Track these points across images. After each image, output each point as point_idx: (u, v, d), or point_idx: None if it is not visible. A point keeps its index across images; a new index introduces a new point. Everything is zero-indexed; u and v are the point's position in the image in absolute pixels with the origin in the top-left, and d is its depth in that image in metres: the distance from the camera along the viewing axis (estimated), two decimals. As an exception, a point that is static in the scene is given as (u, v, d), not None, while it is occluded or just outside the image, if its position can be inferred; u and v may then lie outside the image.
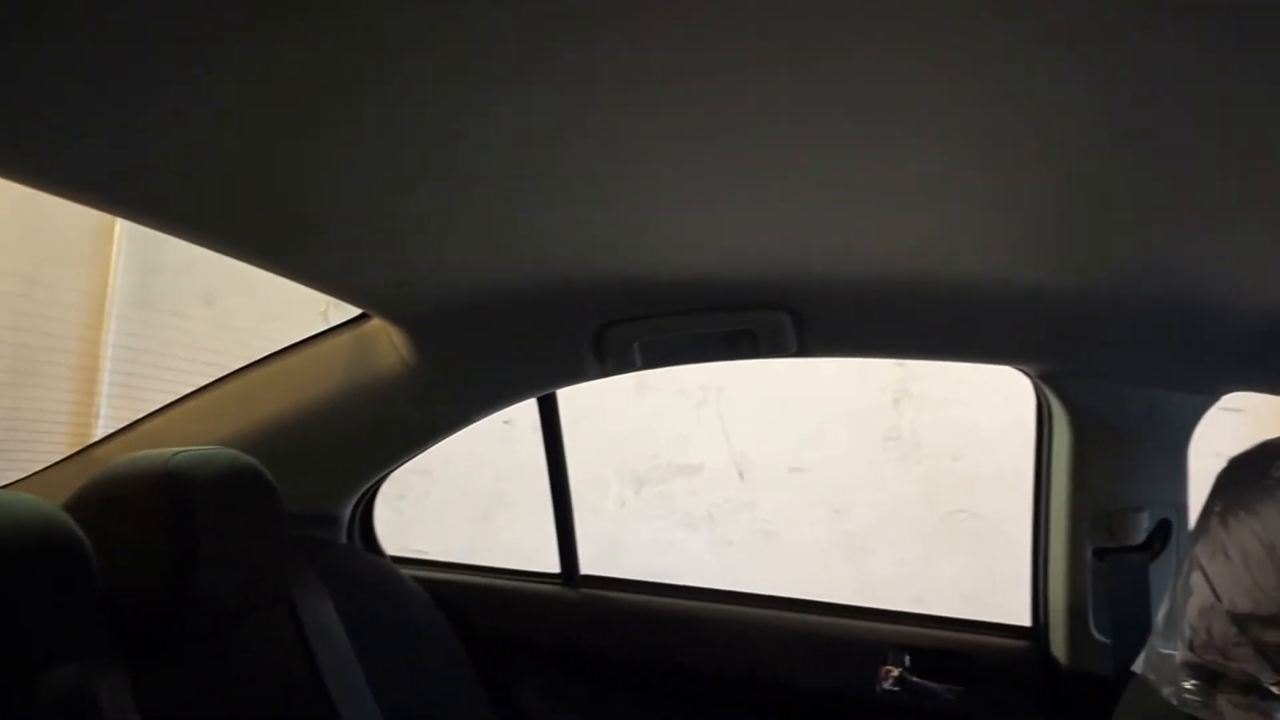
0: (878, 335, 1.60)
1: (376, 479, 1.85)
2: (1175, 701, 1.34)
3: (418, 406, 1.70)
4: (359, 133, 0.89)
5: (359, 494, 1.84)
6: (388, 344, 1.65)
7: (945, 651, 1.83)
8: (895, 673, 1.83)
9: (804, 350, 1.58)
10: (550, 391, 1.84)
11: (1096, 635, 1.72)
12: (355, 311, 1.67)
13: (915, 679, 1.81)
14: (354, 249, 1.26)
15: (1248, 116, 0.78)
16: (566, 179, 1.02)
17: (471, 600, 1.96)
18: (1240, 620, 1.29)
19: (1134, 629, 1.56)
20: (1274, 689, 1.18)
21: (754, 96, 0.81)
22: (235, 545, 1.26)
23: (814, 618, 1.91)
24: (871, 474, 3.52)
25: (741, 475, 3.51)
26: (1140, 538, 1.68)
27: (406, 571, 1.91)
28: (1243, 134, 0.82)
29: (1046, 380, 1.67)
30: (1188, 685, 1.33)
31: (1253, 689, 1.21)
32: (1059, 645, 1.77)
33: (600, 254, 1.35)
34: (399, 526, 3.20)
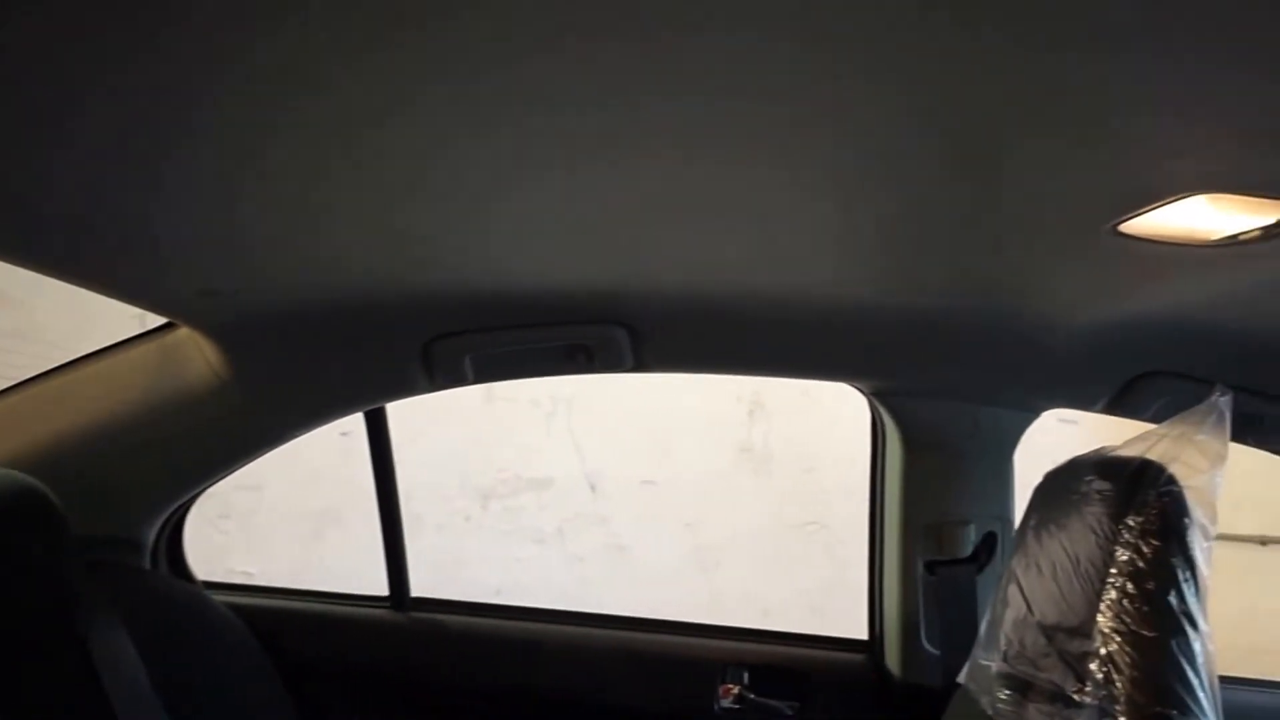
0: (715, 351, 1.63)
1: (184, 499, 1.77)
2: (990, 711, 1.41)
3: (230, 421, 1.64)
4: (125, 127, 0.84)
5: (165, 515, 1.76)
6: (197, 355, 1.59)
7: (783, 668, 1.88)
8: (734, 691, 1.86)
9: (640, 366, 1.60)
10: (377, 406, 1.80)
11: (927, 647, 1.80)
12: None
13: (753, 696, 1.85)
14: (147, 254, 1.20)
15: (1054, 156, 0.84)
16: (385, 187, 1.00)
17: (292, 627, 1.90)
18: (1049, 631, 1.37)
19: (961, 640, 1.64)
20: (1076, 697, 1.26)
21: (584, 119, 0.82)
22: (11, 577, 1.19)
23: (652, 636, 1.92)
24: (724, 487, 3.58)
25: (593, 488, 3.52)
26: (968, 550, 1.77)
27: (220, 598, 1.84)
28: (1053, 170, 0.87)
29: (878, 397, 1.74)
30: (1002, 695, 1.41)
31: (1059, 698, 1.29)
32: (892, 658, 1.84)
33: (428, 266, 1.34)
34: (222, 548, 3.08)
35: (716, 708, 1.83)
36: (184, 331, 1.59)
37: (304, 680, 1.85)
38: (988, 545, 1.77)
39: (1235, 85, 0.69)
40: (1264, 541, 3.71)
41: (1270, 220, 0.89)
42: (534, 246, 1.25)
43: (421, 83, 0.76)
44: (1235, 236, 0.95)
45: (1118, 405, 1.66)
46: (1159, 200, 0.87)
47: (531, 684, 1.87)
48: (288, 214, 1.10)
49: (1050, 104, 0.74)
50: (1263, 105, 0.71)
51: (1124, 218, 0.93)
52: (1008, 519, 1.78)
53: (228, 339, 1.54)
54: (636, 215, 1.10)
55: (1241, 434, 1.75)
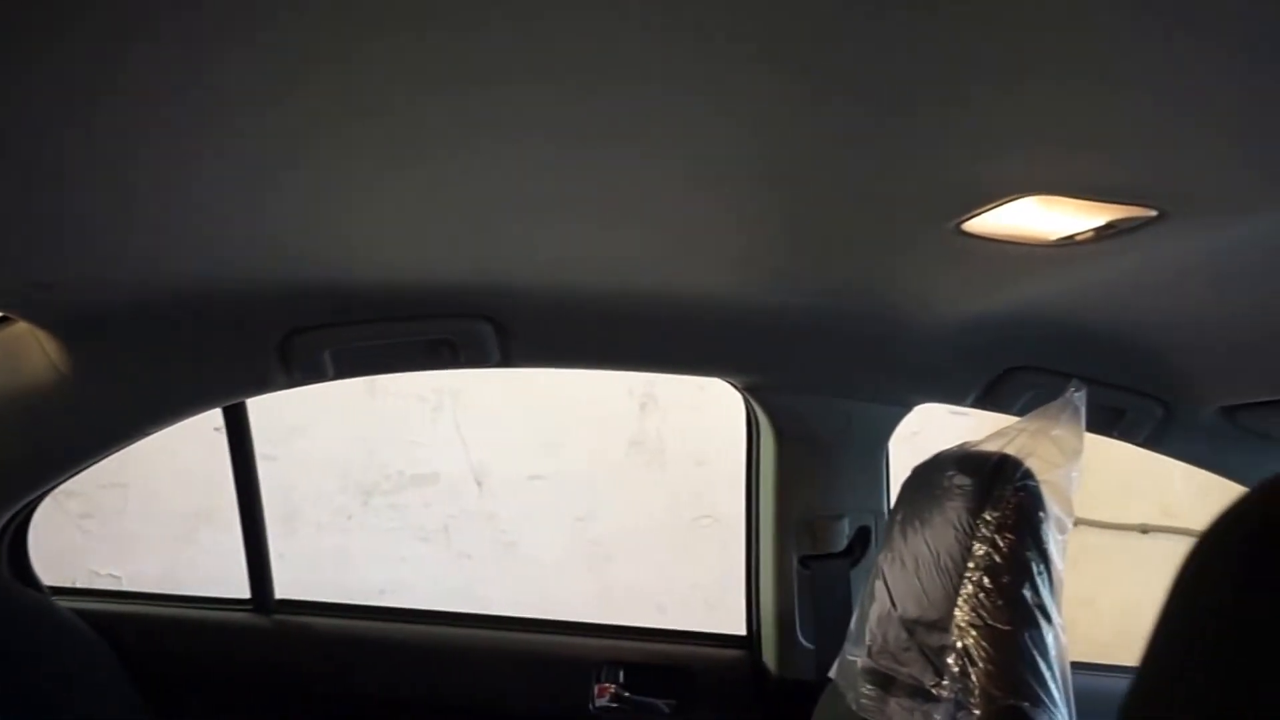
0: (585, 346, 1.63)
1: (26, 501, 1.69)
2: (855, 706, 1.45)
3: (75, 419, 1.57)
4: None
5: (5, 518, 1.68)
6: (37, 349, 1.52)
7: (660, 665, 1.89)
8: (610, 690, 1.87)
9: (507, 361, 1.59)
10: (234, 402, 1.75)
11: (802, 642, 1.83)
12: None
13: (629, 695, 1.86)
14: None
15: (896, 157, 0.86)
16: (237, 178, 0.98)
17: (148, 633, 1.84)
18: (910, 626, 1.40)
19: (835, 635, 1.67)
20: (934, 691, 1.29)
21: (445, 110, 0.80)
22: None
23: (527, 636, 1.92)
24: (615, 481, 3.59)
25: (480, 484, 3.49)
26: (842, 544, 1.80)
27: (68, 604, 1.77)
28: (897, 171, 0.89)
29: (752, 392, 1.76)
30: (866, 690, 1.44)
31: (918, 692, 1.32)
32: (769, 653, 1.87)
33: (284, 258, 1.30)
34: (84, 550, 2.96)
35: (592, 707, 1.83)
36: (22, 325, 1.52)
37: (162, 689, 1.79)
38: (861, 539, 1.81)
39: (1057, 93, 0.71)
40: (1144, 530, 3.88)
41: (1101, 222, 0.92)
42: (394, 239, 1.23)
43: (276, 74, 0.74)
44: (1071, 237, 0.98)
45: (986, 400, 1.71)
46: (994, 201, 0.90)
47: (402, 687, 1.85)
48: (130, 205, 1.06)
49: (890, 105, 0.75)
50: (1084, 113, 0.74)
51: (965, 217, 0.95)
52: (881, 513, 1.82)
53: (69, 333, 1.48)
54: (500, 209, 1.09)
55: (1105, 427, 1.82)
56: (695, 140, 0.87)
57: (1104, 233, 0.95)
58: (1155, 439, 1.79)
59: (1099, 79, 0.69)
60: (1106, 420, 1.77)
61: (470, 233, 1.20)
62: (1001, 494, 1.30)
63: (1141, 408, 1.71)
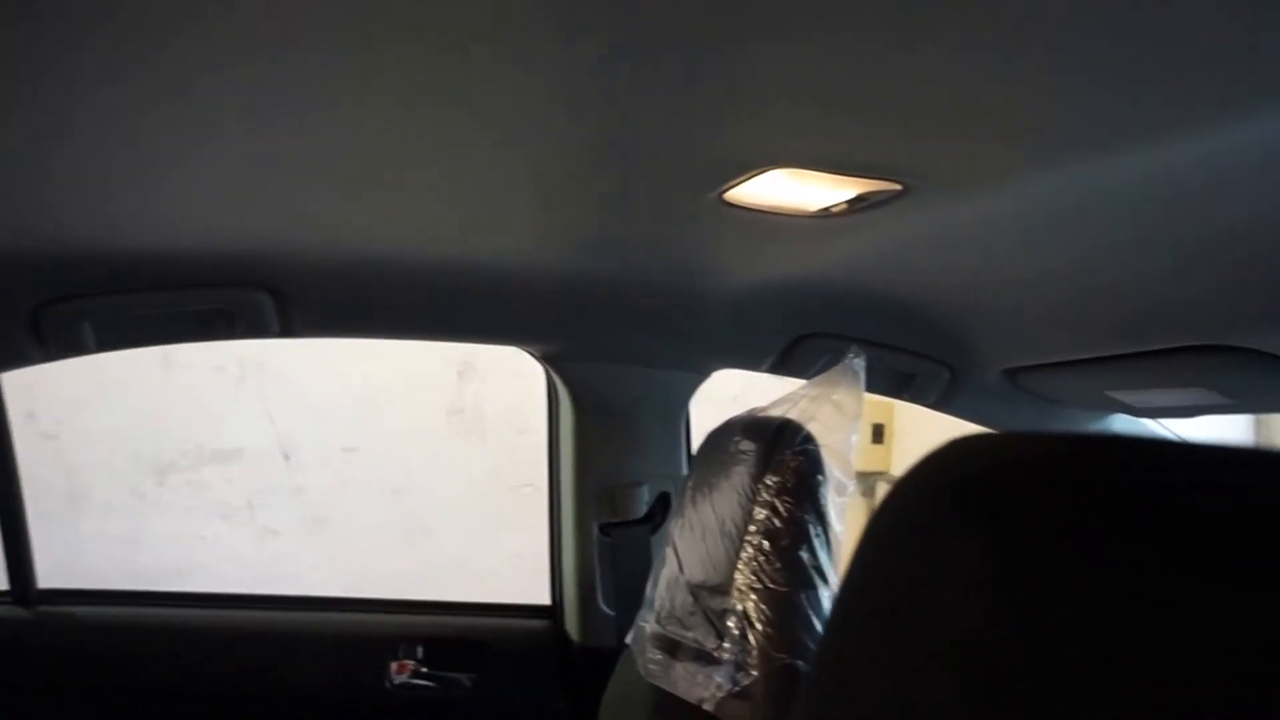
0: (373, 316, 1.60)
1: None
2: (644, 672, 1.49)
3: None
4: None
5: None
6: None
7: (461, 639, 1.90)
8: (409, 666, 1.87)
9: (288, 331, 1.55)
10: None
11: (604, 609, 1.87)
12: None
13: (428, 671, 1.86)
14: None
15: (656, 126, 0.88)
16: None
17: None
18: (695, 590, 1.45)
19: (635, 601, 1.71)
20: (715, 654, 1.35)
21: (223, 73, 0.78)
22: None
23: (323, 616, 1.89)
24: (433, 451, 3.56)
25: (287, 457, 3.40)
26: (641, 511, 1.84)
27: None
28: (658, 139, 0.91)
29: (550, 361, 1.77)
30: (654, 655, 1.48)
31: (701, 655, 1.38)
32: (571, 621, 1.90)
33: (32, 224, 1.23)
34: None
35: (388, 685, 1.82)
36: None
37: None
38: (661, 505, 1.86)
39: (797, 68, 0.74)
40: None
41: (851, 194, 0.97)
42: (162, 205, 1.18)
43: (36, 39, 0.70)
44: (828, 209, 1.02)
45: (782, 366, 1.77)
46: (747, 172, 0.93)
47: (187, 677, 1.79)
48: None
49: (648, 73, 0.77)
50: (823, 89, 0.77)
51: (724, 188, 0.98)
52: (680, 479, 1.86)
53: None
54: (276, 173, 1.05)
55: (897, 391, 1.92)
56: (478, 106, 0.86)
57: (856, 205, 0.99)
58: (944, 401, 1.89)
59: (837, 55, 0.72)
60: (898, 384, 1.86)
61: (245, 198, 1.16)
62: (782, 458, 1.36)
63: (930, 372, 1.80)
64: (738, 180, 0.95)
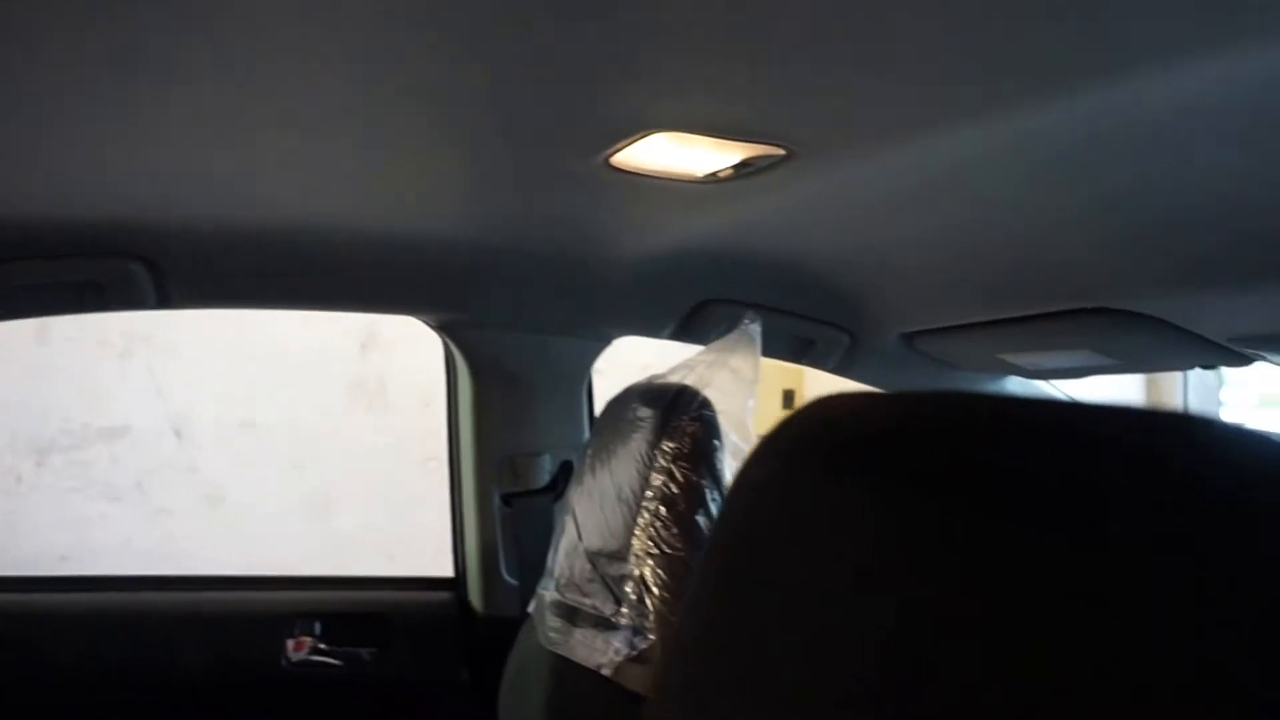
0: (257, 286, 1.57)
1: None
2: (544, 640, 1.50)
3: None
4: None
5: None
6: None
7: (361, 614, 1.88)
8: (306, 643, 1.85)
9: (165, 302, 1.50)
10: None
11: (507, 579, 1.87)
12: None
13: (326, 647, 1.84)
14: None
15: (535, 89, 0.87)
16: None
17: None
18: (594, 558, 1.46)
19: (538, 571, 1.72)
20: (613, 620, 1.36)
21: (90, 34, 0.75)
22: None
23: (216, 595, 1.85)
24: (336, 426, 3.51)
25: (178, 434, 3.32)
26: (544, 480, 1.85)
27: None
28: (548, 105, 0.91)
29: (446, 330, 1.76)
30: (553, 623, 1.49)
31: (600, 622, 1.39)
32: (475, 592, 1.90)
33: None
34: None
35: (285, 663, 1.80)
36: None
37: None
38: (564, 474, 1.86)
39: (673, 31, 0.74)
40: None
41: (736, 159, 0.98)
42: (20, 171, 1.13)
43: None
44: (715, 174, 1.03)
45: (683, 333, 1.78)
46: (630, 136, 0.93)
47: (72, 661, 1.74)
48: None
49: (516, 39, 0.76)
50: (701, 53, 0.77)
51: (609, 152, 0.98)
52: (582, 447, 1.87)
53: None
54: (149, 138, 1.01)
55: (798, 356, 1.95)
56: (361, 71, 0.85)
57: (742, 170, 1.00)
58: (845, 366, 1.93)
59: (710, 18, 0.72)
60: (799, 349, 1.89)
61: (116, 165, 1.12)
62: (678, 425, 1.37)
63: (829, 337, 1.83)
64: (621, 144, 0.95)
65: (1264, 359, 1.60)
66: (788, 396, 4.28)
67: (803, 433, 0.41)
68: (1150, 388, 4.31)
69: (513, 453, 1.82)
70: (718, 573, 0.43)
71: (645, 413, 1.41)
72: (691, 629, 0.45)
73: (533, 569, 1.82)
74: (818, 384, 4.03)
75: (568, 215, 1.31)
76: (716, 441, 1.40)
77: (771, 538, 0.40)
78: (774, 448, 0.42)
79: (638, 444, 1.39)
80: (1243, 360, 1.62)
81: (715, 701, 0.39)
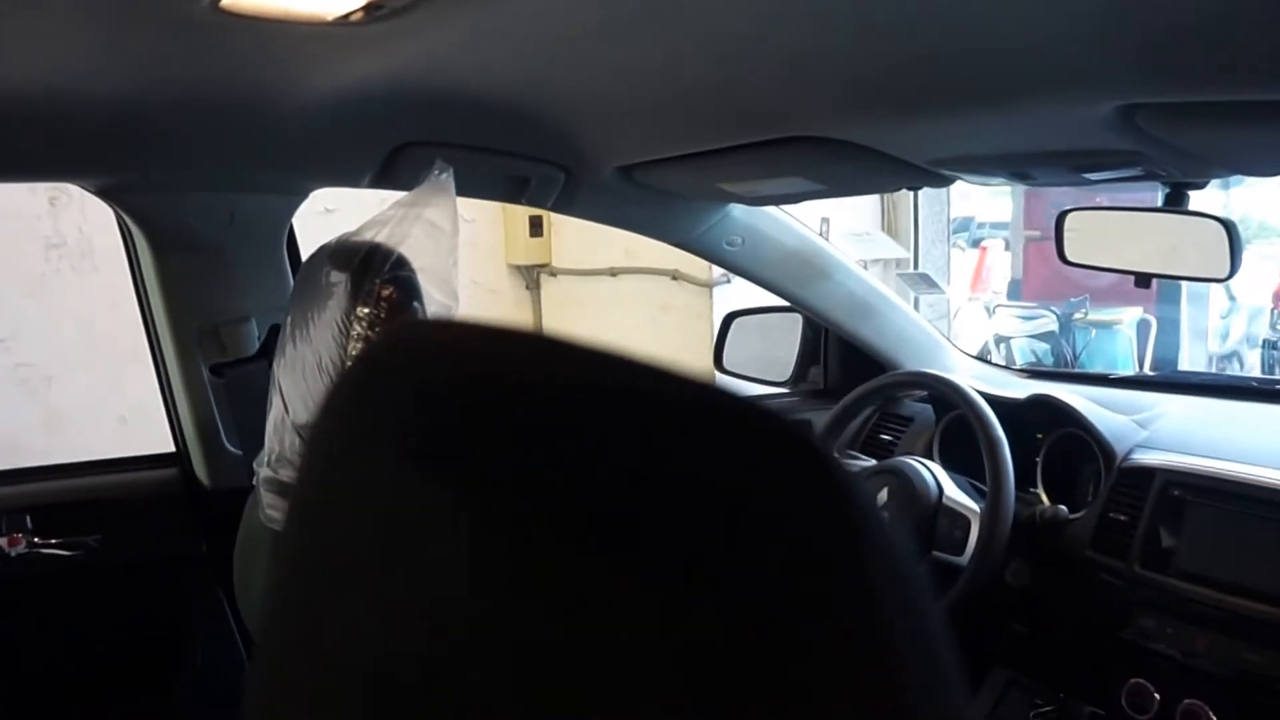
0: None
1: None
2: (263, 518, 1.50)
3: None
4: None
5: None
6: None
7: (80, 501, 1.83)
8: (19, 539, 1.79)
9: None
10: None
11: (230, 449, 1.85)
12: None
13: (42, 540, 1.79)
14: None
15: None
16: None
17: None
18: (301, 431, 1.46)
19: (260, 439, 1.71)
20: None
21: None
22: None
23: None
24: (38, 292, 3.28)
25: None
26: (254, 347, 1.80)
27: None
28: None
29: (110, 196, 1.64)
30: (269, 499, 1.49)
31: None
32: (199, 465, 1.87)
33: None
34: None
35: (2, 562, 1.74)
36: None
37: None
38: (274, 339, 1.82)
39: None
40: (613, 273, 4.30)
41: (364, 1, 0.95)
42: None
43: None
44: (346, 16, 1.00)
45: (385, 180, 1.73)
46: None
47: None
48: None
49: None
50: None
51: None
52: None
53: None
54: None
55: (515, 195, 1.94)
56: None
57: (375, 12, 0.97)
58: (564, 202, 1.94)
59: None
60: (514, 189, 1.89)
61: None
62: (371, 288, 1.36)
63: (544, 174, 1.83)
64: None
65: (962, 178, 1.72)
66: (535, 224, 4.28)
67: (358, 379, 0.40)
68: (886, 217, 4.57)
69: (214, 321, 1.76)
70: (297, 505, 0.41)
71: (337, 277, 1.38)
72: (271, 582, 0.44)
73: (255, 438, 1.80)
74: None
75: (201, 62, 1.23)
76: (416, 304, 1.39)
77: (324, 503, 0.38)
78: (334, 394, 0.39)
79: (332, 311, 1.37)
80: (944, 181, 1.73)
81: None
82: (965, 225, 8.88)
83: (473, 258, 4.27)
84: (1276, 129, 1.11)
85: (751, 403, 0.34)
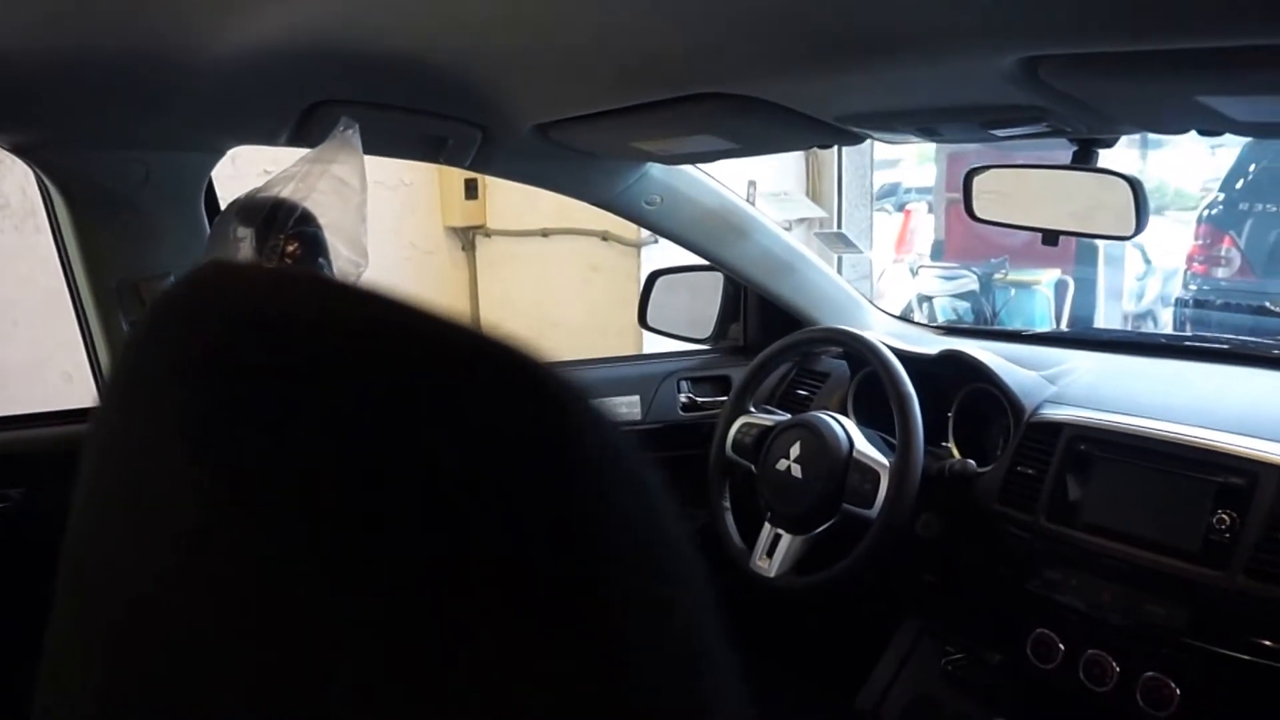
0: None
1: None
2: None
3: None
4: None
5: None
6: None
7: (4, 455, 1.76)
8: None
9: None
10: None
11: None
12: None
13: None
14: None
15: None
16: None
17: None
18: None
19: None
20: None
21: None
22: None
23: None
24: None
25: None
26: (171, 306, 1.73)
27: None
28: None
29: (25, 153, 1.57)
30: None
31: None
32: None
33: None
34: None
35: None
36: None
37: None
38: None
39: None
40: (545, 234, 4.22)
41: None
42: None
43: None
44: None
45: (300, 139, 1.66)
46: None
47: None
48: None
49: None
50: None
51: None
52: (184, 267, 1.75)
53: None
54: None
55: (431, 155, 1.88)
56: None
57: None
58: (482, 162, 1.88)
59: None
60: (431, 148, 1.82)
61: None
62: (276, 244, 1.29)
63: (461, 133, 1.76)
64: None
65: (872, 136, 1.66)
66: (470, 186, 4.18)
67: (151, 317, 0.39)
68: (810, 180, 4.53)
69: (135, 278, 1.68)
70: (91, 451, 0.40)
71: (243, 231, 1.33)
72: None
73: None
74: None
75: (106, 16, 1.15)
76: (322, 259, 1.33)
77: (103, 441, 0.38)
78: (133, 331, 0.39)
79: (239, 265, 1.30)
80: (854, 139, 1.68)
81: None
82: (893, 190, 8.90)
83: (411, 221, 4.18)
84: (1177, 81, 1.07)
85: (475, 331, 0.33)
